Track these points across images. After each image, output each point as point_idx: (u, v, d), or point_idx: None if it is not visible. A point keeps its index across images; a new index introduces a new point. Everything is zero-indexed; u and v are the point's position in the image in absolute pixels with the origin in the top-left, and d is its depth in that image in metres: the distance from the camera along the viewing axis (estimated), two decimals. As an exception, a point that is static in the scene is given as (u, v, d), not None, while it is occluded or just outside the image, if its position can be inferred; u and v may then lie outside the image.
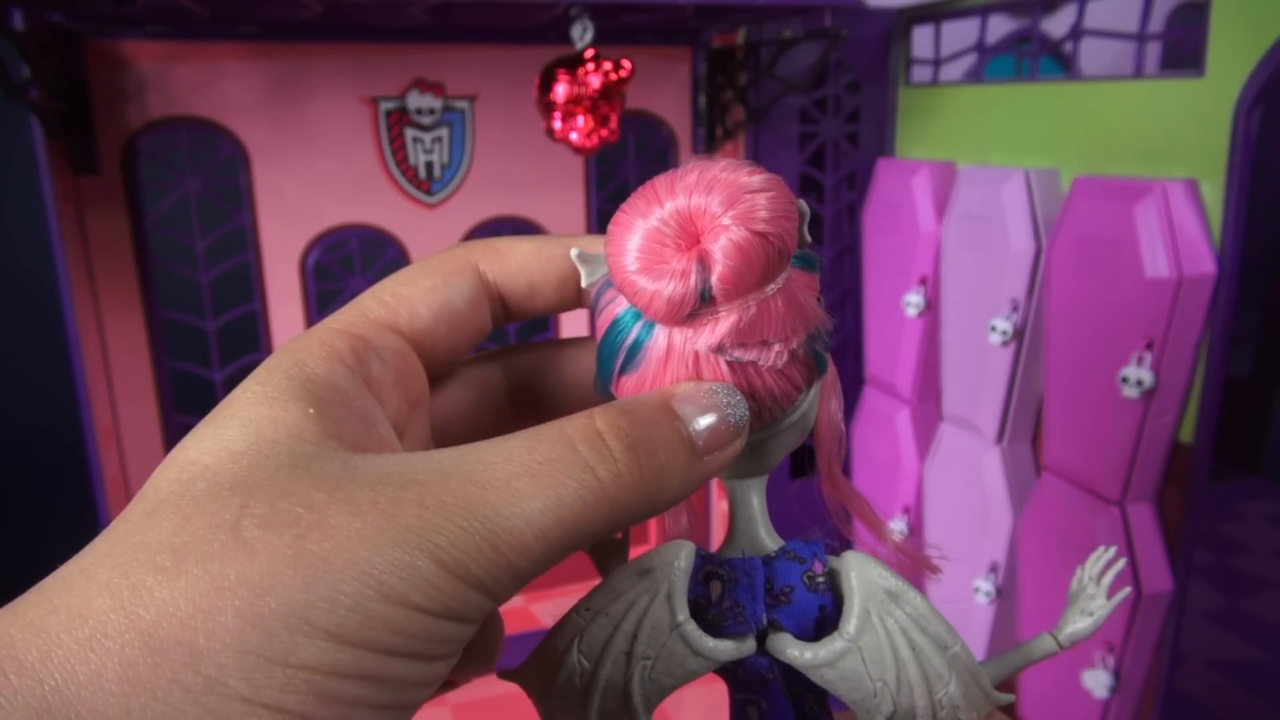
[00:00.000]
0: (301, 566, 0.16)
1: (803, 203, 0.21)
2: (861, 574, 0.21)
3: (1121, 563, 0.23)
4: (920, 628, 0.21)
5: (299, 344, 0.20)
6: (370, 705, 0.16)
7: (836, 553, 0.22)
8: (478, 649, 0.23)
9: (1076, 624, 0.23)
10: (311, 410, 0.19)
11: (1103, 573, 0.23)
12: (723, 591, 0.22)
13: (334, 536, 0.16)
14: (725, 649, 0.21)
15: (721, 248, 0.19)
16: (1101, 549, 0.23)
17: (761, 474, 0.23)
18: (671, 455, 0.19)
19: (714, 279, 0.19)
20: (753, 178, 0.19)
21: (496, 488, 0.17)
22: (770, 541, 0.23)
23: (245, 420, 0.18)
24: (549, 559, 0.18)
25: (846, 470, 0.82)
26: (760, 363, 0.20)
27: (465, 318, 0.23)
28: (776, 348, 0.20)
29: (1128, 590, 0.23)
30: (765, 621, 0.21)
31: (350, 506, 0.17)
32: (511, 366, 0.25)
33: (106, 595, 0.15)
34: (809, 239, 0.21)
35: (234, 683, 0.15)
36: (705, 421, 0.19)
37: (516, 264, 0.23)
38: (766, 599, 0.21)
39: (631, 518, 0.19)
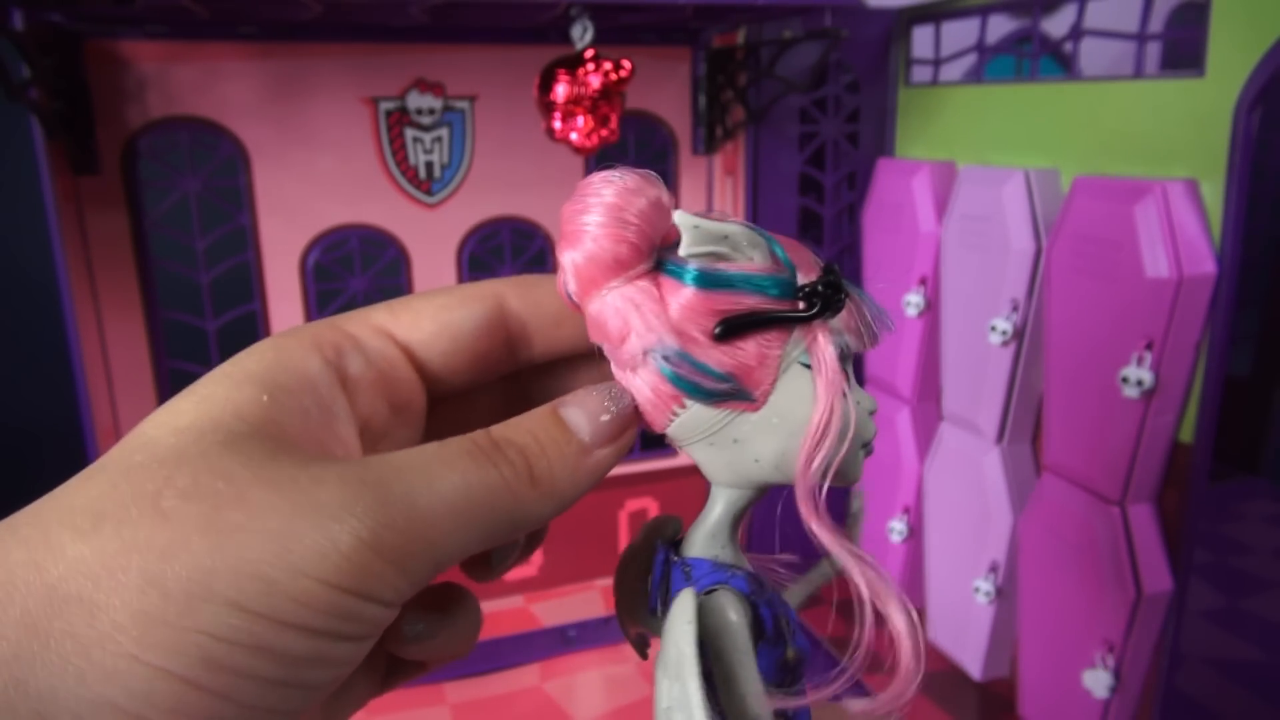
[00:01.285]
0: (211, 533, 0.16)
1: (700, 220, 0.20)
2: (667, 625, 0.20)
3: None
4: (683, 715, 0.19)
5: (287, 332, 0.21)
6: (259, 678, 0.16)
7: (746, 587, 0.22)
8: (454, 634, 0.23)
9: None
10: (265, 397, 0.19)
11: None
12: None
13: (248, 509, 0.17)
14: (638, 617, 0.24)
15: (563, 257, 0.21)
16: None
17: (719, 484, 0.22)
18: (557, 454, 0.20)
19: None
20: (611, 196, 0.21)
21: (413, 470, 0.18)
22: (703, 548, 0.23)
23: (200, 397, 0.19)
24: (459, 536, 0.18)
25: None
26: (620, 364, 0.21)
27: (471, 338, 0.23)
28: (618, 353, 0.21)
29: None
30: (659, 614, 0.22)
31: (269, 484, 0.17)
32: (514, 389, 0.26)
33: (23, 549, 0.16)
34: (685, 249, 0.20)
35: (124, 640, 0.15)
36: (585, 419, 0.21)
37: (543, 291, 0.24)
38: (662, 596, 0.23)
39: (538, 510, 0.20)
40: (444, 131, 0.68)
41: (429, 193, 0.68)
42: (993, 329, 0.57)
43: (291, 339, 0.21)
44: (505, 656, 0.69)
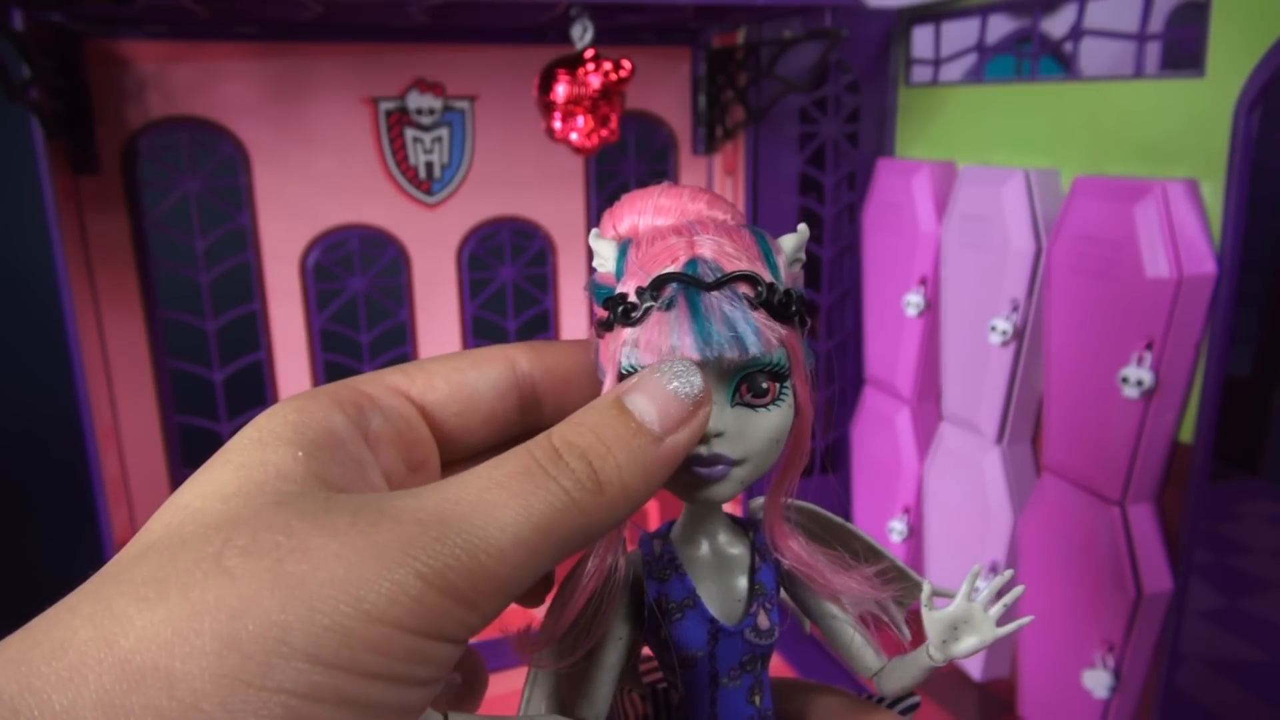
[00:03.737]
0: (280, 588, 0.16)
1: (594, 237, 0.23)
2: None
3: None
4: None
5: (305, 392, 0.21)
6: None
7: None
8: (464, 693, 0.23)
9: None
10: (300, 454, 0.19)
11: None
12: None
13: (312, 558, 0.16)
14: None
15: None
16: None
17: None
18: (625, 452, 0.19)
19: None
20: None
21: (470, 503, 0.18)
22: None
23: (237, 465, 0.19)
24: (529, 566, 0.18)
25: (846, 472, 0.81)
26: None
27: (485, 401, 0.23)
28: None
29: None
30: None
31: (328, 531, 0.17)
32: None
33: (89, 627, 0.15)
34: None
35: (208, 707, 0.15)
36: (652, 406, 0.20)
37: (553, 355, 0.24)
38: None
39: (609, 518, 0.19)
40: (444, 131, 0.68)
41: (429, 193, 0.68)
42: (993, 329, 0.57)
43: (310, 399, 0.21)
44: (506, 656, 0.69)
